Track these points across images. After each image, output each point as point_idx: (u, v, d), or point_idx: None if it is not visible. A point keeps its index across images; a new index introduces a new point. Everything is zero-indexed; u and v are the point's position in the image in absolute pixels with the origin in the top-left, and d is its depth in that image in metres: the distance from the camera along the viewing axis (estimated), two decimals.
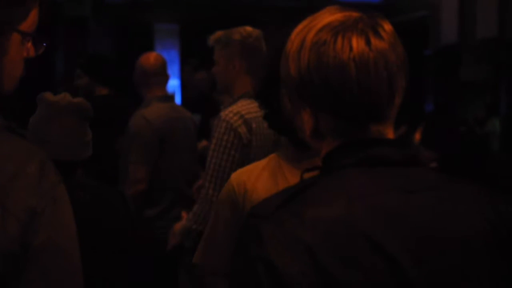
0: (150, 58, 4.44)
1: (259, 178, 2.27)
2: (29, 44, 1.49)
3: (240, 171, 2.37)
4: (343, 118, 1.30)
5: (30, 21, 1.45)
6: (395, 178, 1.28)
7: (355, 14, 1.32)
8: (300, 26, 1.36)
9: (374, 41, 1.28)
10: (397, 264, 1.19)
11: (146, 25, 11.90)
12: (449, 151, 5.98)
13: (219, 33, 3.52)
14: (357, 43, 1.27)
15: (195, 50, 8.21)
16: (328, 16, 1.32)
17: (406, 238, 1.21)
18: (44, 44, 1.52)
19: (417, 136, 7.26)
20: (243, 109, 3.32)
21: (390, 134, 1.34)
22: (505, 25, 8.62)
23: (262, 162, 2.32)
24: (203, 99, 7.15)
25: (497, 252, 1.29)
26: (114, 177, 4.52)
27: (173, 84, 11.07)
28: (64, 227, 1.38)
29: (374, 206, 1.23)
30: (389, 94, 1.29)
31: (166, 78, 4.47)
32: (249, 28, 3.50)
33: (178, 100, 10.73)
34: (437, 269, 1.22)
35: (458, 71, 9.71)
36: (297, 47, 1.32)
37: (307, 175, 1.38)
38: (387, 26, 1.32)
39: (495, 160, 7.55)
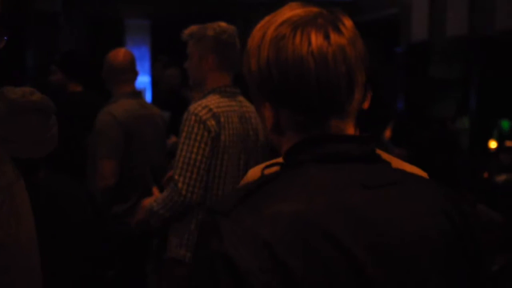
0: (118, 54, 4.42)
1: None
2: None
3: (257, 168, 2.38)
4: (302, 113, 1.30)
5: None
6: (355, 174, 1.29)
7: (315, 10, 1.32)
8: (261, 22, 1.36)
9: (333, 36, 1.28)
10: (356, 260, 1.19)
11: (117, 21, 11.85)
12: (418, 148, 6.03)
13: (193, 28, 3.52)
14: (316, 38, 1.27)
15: (166, 46, 8.19)
16: (289, 12, 1.33)
17: (365, 235, 1.22)
18: (6, 38, 1.50)
19: (387, 133, 7.30)
20: (212, 103, 3.34)
21: (350, 130, 1.34)
22: (476, 23, 8.67)
23: (279, 160, 2.32)
24: (173, 96, 7.14)
25: (457, 250, 1.30)
26: (83, 173, 4.49)
27: (144, 80, 11.03)
28: (22, 223, 1.37)
29: (333, 202, 1.23)
30: (348, 89, 1.30)
31: (134, 75, 4.45)
32: (223, 24, 3.49)
33: (149, 96, 10.69)
34: (397, 266, 1.23)
35: (429, 69, 9.76)
36: (257, 42, 1.33)
37: (267, 171, 1.38)
38: (347, 22, 1.32)
39: (464, 158, 7.61)
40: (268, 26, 1.32)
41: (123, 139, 4.19)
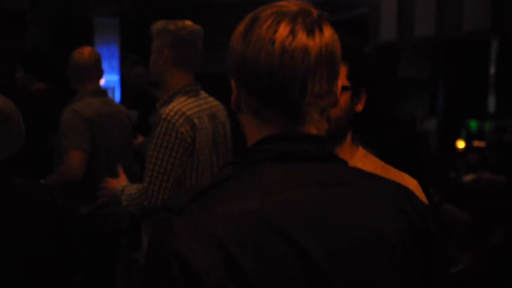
0: (83, 52, 4.37)
1: None
2: None
3: None
4: (255, 99, 1.30)
5: None
6: (311, 173, 1.28)
7: (307, 8, 1.30)
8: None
9: (301, 35, 1.26)
10: (310, 259, 1.19)
11: (86, 19, 11.78)
12: (385, 148, 6.06)
13: (159, 23, 3.49)
14: (283, 30, 1.26)
15: (136, 45, 8.16)
16: (282, 2, 1.32)
17: (319, 233, 1.21)
18: None
19: None
20: (183, 106, 3.29)
21: (311, 130, 1.33)
22: (444, 24, 8.73)
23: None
24: (141, 95, 7.10)
25: (414, 248, 1.30)
26: (47, 174, 4.45)
27: (113, 79, 10.98)
28: None
29: (287, 201, 1.22)
30: (301, 90, 1.28)
31: (99, 73, 4.40)
32: (188, 22, 3.47)
33: (118, 95, 10.64)
34: (351, 265, 1.22)
35: (397, 69, 9.82)
36: (242, 22, 1.33)
37: (224, 169, 1.37)
38: (326, 29, 1.30)
39: (431, 157, 7.66)
40: (258, 11, 1.32)
41: (89, 132, 4.13)
